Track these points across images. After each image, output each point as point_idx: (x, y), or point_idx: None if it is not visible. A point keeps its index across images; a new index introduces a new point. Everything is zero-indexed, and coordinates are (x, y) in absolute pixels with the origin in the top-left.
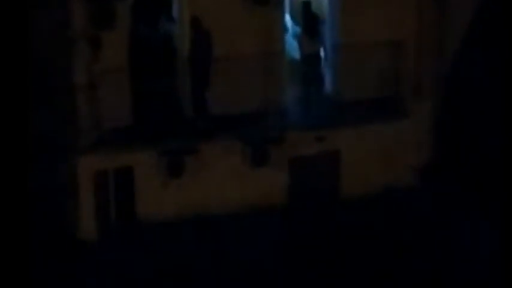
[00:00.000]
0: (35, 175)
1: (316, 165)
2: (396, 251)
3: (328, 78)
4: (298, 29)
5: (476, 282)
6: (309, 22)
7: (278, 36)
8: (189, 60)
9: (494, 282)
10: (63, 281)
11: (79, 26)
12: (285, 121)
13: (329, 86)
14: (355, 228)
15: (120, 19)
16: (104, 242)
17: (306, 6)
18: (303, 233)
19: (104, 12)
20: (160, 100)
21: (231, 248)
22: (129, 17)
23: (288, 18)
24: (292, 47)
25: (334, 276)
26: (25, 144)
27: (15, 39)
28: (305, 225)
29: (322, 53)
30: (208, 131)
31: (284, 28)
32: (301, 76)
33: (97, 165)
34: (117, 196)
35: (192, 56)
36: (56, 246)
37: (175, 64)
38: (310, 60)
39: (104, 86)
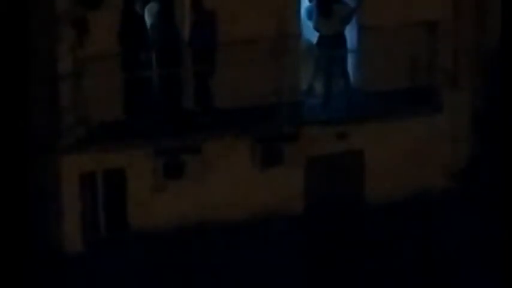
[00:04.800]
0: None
1: (337, 166)
2: (428, 264)
3: (351, 65)
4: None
5: None
6: None
7: (293, 16)
8: (189, 45)
9: None
10: None
11: (62, 6)
12: (301, 115)
13: (352, 75)
14: (381, 239)
15: None
16: (92, 256)
17: None
18: (322, 245)
19: None
20: (157, 91)
21: (238, 262)
22: None
23: None
24: (310, 28)
25: None
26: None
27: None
28: (324, 236)
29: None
30: (212, 127)
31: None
32: (316, 61)
33: (83, 166)
34: (106, 202)
35: (193, 40)
36: (36, 261)
37: (174, 50)
38: (327, 44)
39: (90, 75)
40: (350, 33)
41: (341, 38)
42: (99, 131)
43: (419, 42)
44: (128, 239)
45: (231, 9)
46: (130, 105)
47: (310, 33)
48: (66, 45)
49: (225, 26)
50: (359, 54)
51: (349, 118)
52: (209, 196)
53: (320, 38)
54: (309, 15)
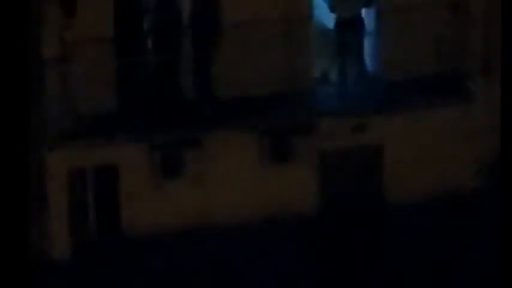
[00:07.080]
0: None
1: (354, 162)
2: (453, 268)
3: (369, 50)
4: None
5: None
6: None
7: None
8: (189, 28)
9: None
10: None
11: None
12: (313, 105)
13: (371, 60)
14: (404, 243)
15: None
16: (81, 262)
17: None
18: (337, 250)
19: None
20: (153, 79)
21: (242, 268)
22: None
23: None
24: (324, 11)
25: None
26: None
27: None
28: (339, 240)
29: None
30: (214, 118)
31: None
32: (331, 46)
33: (71, 162)
34: (97, 202)
35: (193, 22)
36: (20, 269)
37: (172, 33)
38: (345, 26)
39: (80, 61)
40: (368, 14)
41: (359, 20)
42: (90, 123)
43: (446, 23)
44: (120, 241)
45: None
46: (124, 94)
47: (325, 15)
48: (53, 28)
49: (229, 6)
50: (378, 37)
51: (367, 108)
52: (210, 195)
53: (337, 20)
54: None
